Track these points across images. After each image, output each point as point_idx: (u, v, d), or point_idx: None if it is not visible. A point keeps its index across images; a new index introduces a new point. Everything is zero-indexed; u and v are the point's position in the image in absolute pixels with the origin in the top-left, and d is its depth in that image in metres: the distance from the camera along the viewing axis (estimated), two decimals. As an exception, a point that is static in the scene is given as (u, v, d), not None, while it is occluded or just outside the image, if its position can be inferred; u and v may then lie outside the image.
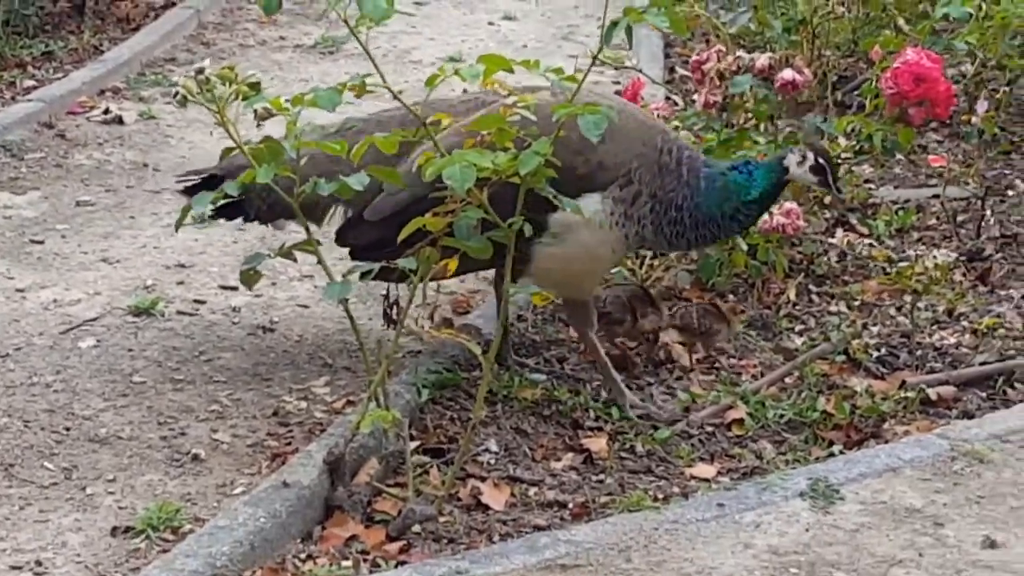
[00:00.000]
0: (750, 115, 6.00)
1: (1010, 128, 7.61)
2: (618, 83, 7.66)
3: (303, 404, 4.57)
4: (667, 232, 4.51)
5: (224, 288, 5.39)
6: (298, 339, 5.03)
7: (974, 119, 6.47)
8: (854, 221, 6.48)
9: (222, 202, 4.50)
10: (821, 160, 4.60)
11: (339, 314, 5.11)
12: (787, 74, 5.71)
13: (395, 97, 3.88)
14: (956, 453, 4.30)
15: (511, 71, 3.85)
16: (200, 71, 3.99)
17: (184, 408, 4.50)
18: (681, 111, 6.29)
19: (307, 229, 4.12)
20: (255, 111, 4.04)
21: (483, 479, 4.21)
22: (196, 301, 5.27)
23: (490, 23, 10.09)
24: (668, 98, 7.63)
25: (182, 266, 5.58)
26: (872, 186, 6.97)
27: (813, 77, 6.94)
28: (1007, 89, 7.49)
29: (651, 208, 4.46)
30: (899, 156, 7.22)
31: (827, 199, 6.51)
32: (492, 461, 4.33)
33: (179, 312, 5.18)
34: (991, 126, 6.64)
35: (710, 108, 5.86)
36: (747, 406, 4.70)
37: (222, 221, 5.19)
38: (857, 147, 6.08)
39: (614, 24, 3.85)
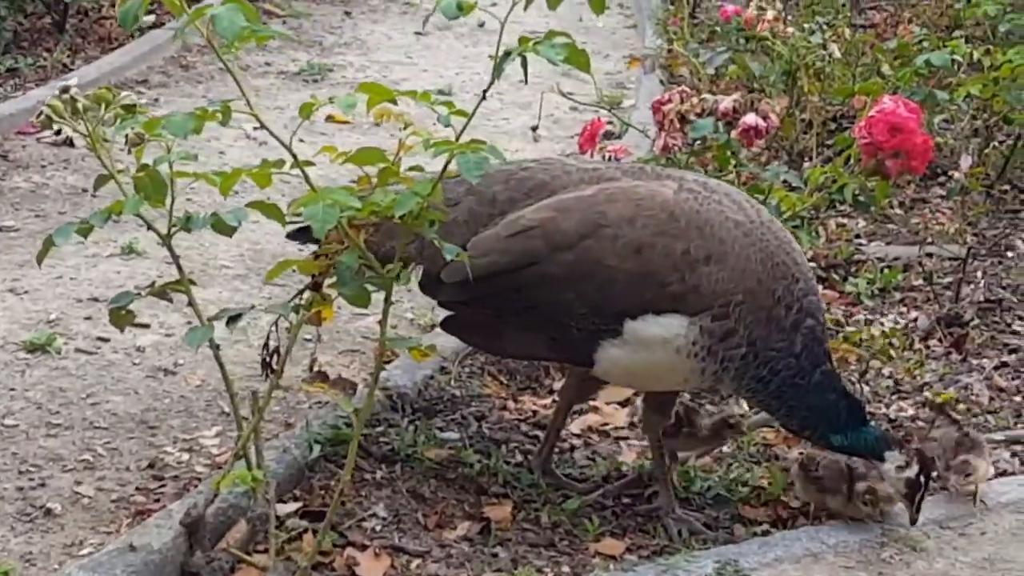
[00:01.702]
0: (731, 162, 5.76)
1: (1021, 185, 7.32)
2: (611, 123, 7.37)
3: (185, 456, 4.32)
4: (746, 384, 4.03)
5: (134, 325, 5.14)
6: (199, 384, 4.79)
7: (957, 175, 6.16)
8: (836, 278, 6.21)
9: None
10: (922, 478, 4.00)
11: (252, 357, 4.89)
12: (750, 119, 5.45)
13: (262, 126, 3.63)
14: (887, 539, 4.01)
15: (394, 102, 3.59)
16: (65, 90, 3.76)
17: (52, 456, 4.26)
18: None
19: (180, 268, 3.87)
20: (126, 136, 3.81)
21: (364, 547, 3.94)
22: (100, 339, 5.05)
23: (490, 56, 9.84)
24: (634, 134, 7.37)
25: (95, 300, 5.35)
26: (862, 241, 6.69)
27: (796, 123, 6.73)
28: (1015, 143, 7.22)
29: (743, 355, 3.96)
30: (896, 211, 6.99)
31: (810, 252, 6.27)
32: (378, 528, 4.06)
33: (77, 350, 4.96)
34: (975, 183, 6.33)
35: (668, 151, 5.61)
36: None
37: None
38: (829, 200, 5.82)
39: (507, 54, 3.60)
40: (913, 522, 4.01)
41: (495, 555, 3.99)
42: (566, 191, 4.17)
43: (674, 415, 4.29)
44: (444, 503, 4.23)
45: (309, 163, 3.62)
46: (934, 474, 4.07)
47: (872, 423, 4.20)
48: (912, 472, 4.00)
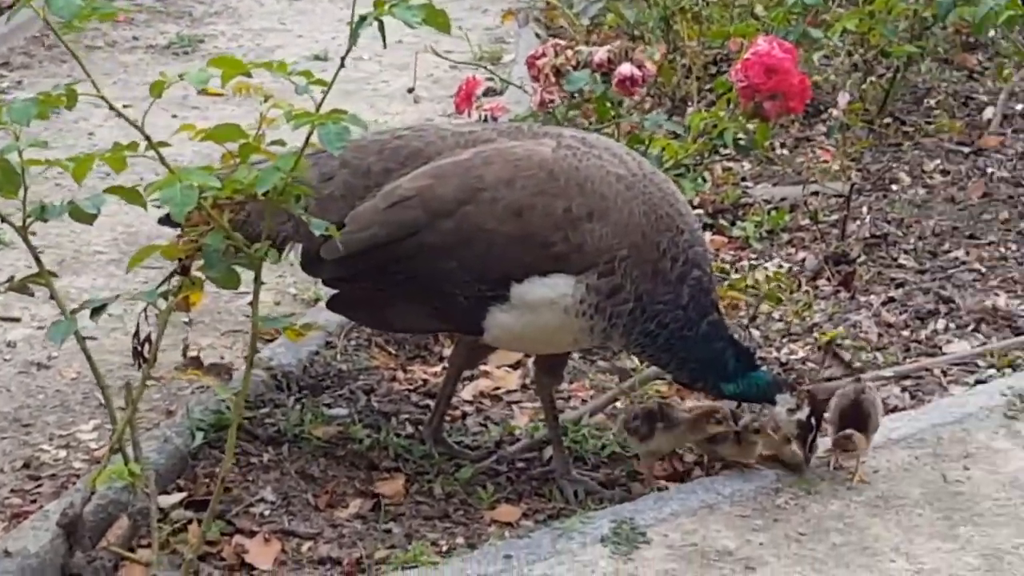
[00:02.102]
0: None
1: (903, 117, 7.37)
2: (492, 79, 7.28)
3: (62, 453, 4.20)
4: (634, 340, 3.99)
5: (2, 320, 5.01)
6: (75, 376, 4.66)
7: (836, 111, 6.17)
8: (724, 223, 6.20)
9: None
10: (813, 421, 3.98)
11: (127, 346, 4.76)
12: (625, 69, 5.40)
13: (111, 107, 3.50)
14: (781, 485, 4.01)
15: (248, 75, 3.49)
16: None
17: (-78, 464, 4.13)
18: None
19: (38, 260, 3.74)
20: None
21: (252, 534, 3.86)
22: (-34, 337, 4.90)
23: (360, 18, 9.70)
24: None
25: (-38, 297, 5.19)
26: (748, 184, 6.69)
27: (677, 69, 6.69)
28: (894, 76, 7.26)
29: (630, 311, 3.92)
30: (781, 152, 7.00)
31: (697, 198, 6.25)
32: (267, 512, 3.98)
33: (-56, 351, 4.81)
34: (855, 119, 6.36)
35: (545, 107, 5.55)
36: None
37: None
38: (712, 145, 5.79)
39: (362, 19, 3.51)
40: (807, 461, 4.01)
41: (388, 531, 3.93)
42: (442, 157, 4.10)
43: (647, 413, 4.14)
44: (334, 482, 4.16)
45: (164, 144, 3.51)
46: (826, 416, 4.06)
47: (763, 368, 4.20)
48: (803, 414, 4.00)
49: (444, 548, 3.82)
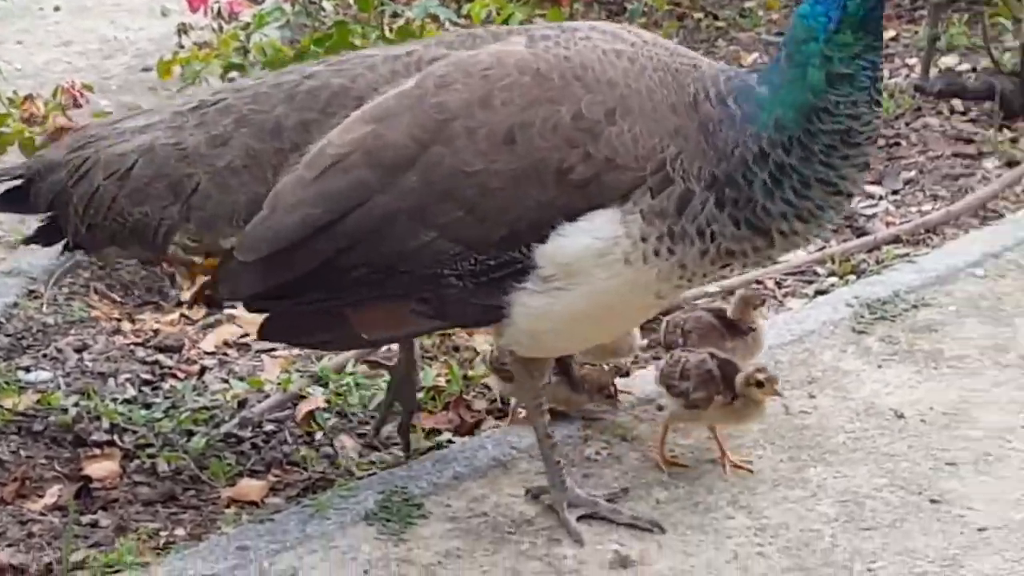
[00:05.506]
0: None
1: (715, 12, 6.82)
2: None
3: None
4: (761, 217, 2.93)
5: None
6: None
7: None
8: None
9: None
10: None
11: None
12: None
13: None
14: (591, 432, 3.42)
15: None
16: None
17: None
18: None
19: None
20: None
21: (-87, 538, 3.10)
22: None
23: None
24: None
25: None
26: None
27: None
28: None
29: (716, 202, 2.91)
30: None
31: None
32: (-65, 509, 3.22)
33: None
34: (661, 2, 5.80)
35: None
36: (325, 391, 3.69)
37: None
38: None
39: None
40: None
41: (94, 524, 3.24)
42: (378, 93, 3.11)
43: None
44: (27, 465, 3.46)
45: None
46: None
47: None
48: None
49: (163, 542, 3.08)
